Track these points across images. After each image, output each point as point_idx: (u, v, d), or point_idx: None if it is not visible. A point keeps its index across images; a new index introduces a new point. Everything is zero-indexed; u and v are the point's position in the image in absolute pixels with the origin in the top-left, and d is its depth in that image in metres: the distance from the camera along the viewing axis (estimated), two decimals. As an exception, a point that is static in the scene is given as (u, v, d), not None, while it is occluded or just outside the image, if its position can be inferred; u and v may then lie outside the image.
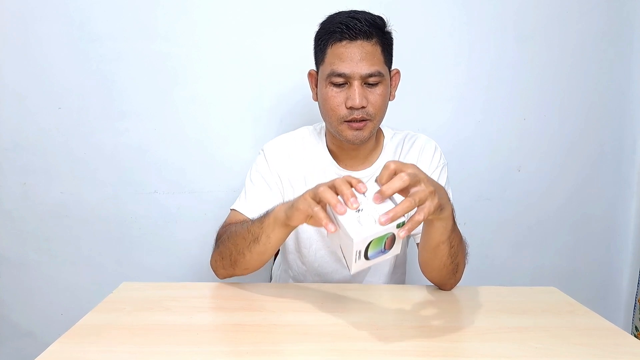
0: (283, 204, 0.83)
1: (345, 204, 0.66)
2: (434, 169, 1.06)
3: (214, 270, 1.00)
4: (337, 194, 0.68)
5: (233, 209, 1.05)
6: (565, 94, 1.57)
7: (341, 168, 1.05)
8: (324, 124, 1.10)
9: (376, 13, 0.97)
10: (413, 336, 0.74)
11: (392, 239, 0.66)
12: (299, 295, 0.91)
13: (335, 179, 0.70)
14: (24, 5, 1.43)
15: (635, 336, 1.52)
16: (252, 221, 0.89)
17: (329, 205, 0.68)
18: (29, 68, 1.46)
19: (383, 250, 0.67)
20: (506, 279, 1.64)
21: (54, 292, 1.57)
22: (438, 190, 0.71)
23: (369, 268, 0.84)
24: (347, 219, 0.65)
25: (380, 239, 0.65)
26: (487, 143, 1.58)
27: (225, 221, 1.06)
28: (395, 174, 0.67)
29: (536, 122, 1.58)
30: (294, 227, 0.84)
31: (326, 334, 0.73)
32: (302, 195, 0.75)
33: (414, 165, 0.70)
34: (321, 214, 0.70)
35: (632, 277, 1.67)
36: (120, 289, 0.93)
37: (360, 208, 0.66)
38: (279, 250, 1.29)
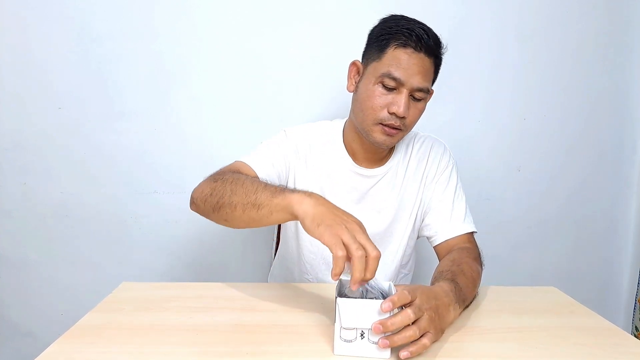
0: (304, 196, 0.75)
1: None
2: (444, 169, 1.09)
3: (191, 199, 0.92)
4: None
5: (240, 160, 1.00)
6: (565, 94, 1.57)
7: (357, 165, 1.06)
8: (341, 121, 1.10)
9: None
10: (413, 336, 0.73)
11: None
12: (299, 295, 0.91)
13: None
14: (24, 5, 1.42)
15: (635, 336, 1.52)
16: (264, 185, 0.81)
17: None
18: (29, 68, 1.46)
19: None
20: (506, 279, 1.64)
21: (54, 292, 1.57)
22: (440, 315, 0.71)
23: None
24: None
25: None
26: (487, 143, 1.58)
27: (226, 166, 1.00)
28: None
29: (536, 122, 1.58)
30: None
31: (326, 334, 0.73)
32: (333, 245, 0.67)
33: (419, 291, 0.70)
34: (340, 265, 0.66)
35: (632, 277, 1.67)
36: (120, 289, 0.93)
37: (362, 332, 0.66)
38: (276, 250, 1.29)
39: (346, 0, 1.48)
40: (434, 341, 0.69)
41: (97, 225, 1.54)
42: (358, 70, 1.01)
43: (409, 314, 0.66)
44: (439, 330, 0.71)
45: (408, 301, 0.67)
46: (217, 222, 0.88)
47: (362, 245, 0.67)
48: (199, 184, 0.92)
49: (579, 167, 1.62)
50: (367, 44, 1.00)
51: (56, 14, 1.43)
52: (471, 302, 0.88)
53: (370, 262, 0.66)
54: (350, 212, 1.03)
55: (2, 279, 1.56)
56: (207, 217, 0.90)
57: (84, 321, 0.77)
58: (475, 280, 0.89)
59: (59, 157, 1.50)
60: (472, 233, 1.06)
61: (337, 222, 0.70)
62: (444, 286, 0.78)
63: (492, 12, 1.51)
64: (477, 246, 1.04)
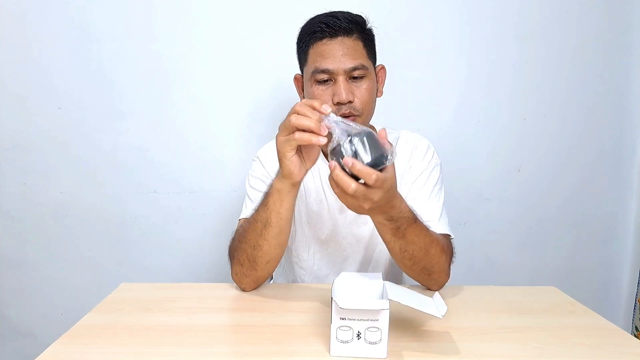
0: (274, 179, 0.83)
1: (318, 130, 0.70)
2: (425, 167, 1.04)
3: (238, 284, 0.93)
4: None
5: (240, 219, 1.03)
6: (565, 94, 1.57)
7: None
8: None
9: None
10: (413, 336, 0.73)
11: None
12: (299, 295, 0.91)
13: (295, 106, 0.72)
14: (24, 5, 1.43)
15: (635, 336, 1.52)
16: (255, 210, 0.87)
17: (309, 130, 0.70)
18: (29, 68, 1.46)
19: None
20: (506, 279, 1.64)
21: (53, 292, 1.57)
22: (385, 192, 0.70)
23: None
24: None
25: None
26: (487, 143, 1.58)
27: (234, 233, 1.03)
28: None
29: (536, 122, 1.58)
30: (299, 182, 0.81)
31: (325, 334, 0.73)
32: (276, 142, 0.76)
33: (386, 185, 0.70)
34: (305, 136, 0.71)
35: (632, 277, 1.67)
36: (119, 289, 0.93)
37: (358, 332, 0.66)
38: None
39: (346, 1, 1.48)
40: (355, 204, 0.70)
41: (97, 225, 1.54)
42: (300, 82, 1.02)
43: (352, 187, 0.66)
44: (364, 200, 0.69)
45: (370, 182, 0.67)
46: (265, 271, 0.89)
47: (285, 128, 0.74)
48: (231, 270, 0.93)
49: (579, 167, 1.62)
50: (297, 55, 1.01)
51: (56, 14, 1.43)
52: (413, 252, 0.84)
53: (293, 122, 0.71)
54: (337, 220, 1.05)
55: (2, 279, 1.56)
56: (259, 280, 0.92)
57: (84, 321, 0.77)
58: (431, 243, 0.85)
59: (59, 157, 1.50)
60: (447, 236, 0.98)
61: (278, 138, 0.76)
62: (405, 204, 0.79)
63: (492, 12, 1.51)
64: (451, 247, 0.96)
